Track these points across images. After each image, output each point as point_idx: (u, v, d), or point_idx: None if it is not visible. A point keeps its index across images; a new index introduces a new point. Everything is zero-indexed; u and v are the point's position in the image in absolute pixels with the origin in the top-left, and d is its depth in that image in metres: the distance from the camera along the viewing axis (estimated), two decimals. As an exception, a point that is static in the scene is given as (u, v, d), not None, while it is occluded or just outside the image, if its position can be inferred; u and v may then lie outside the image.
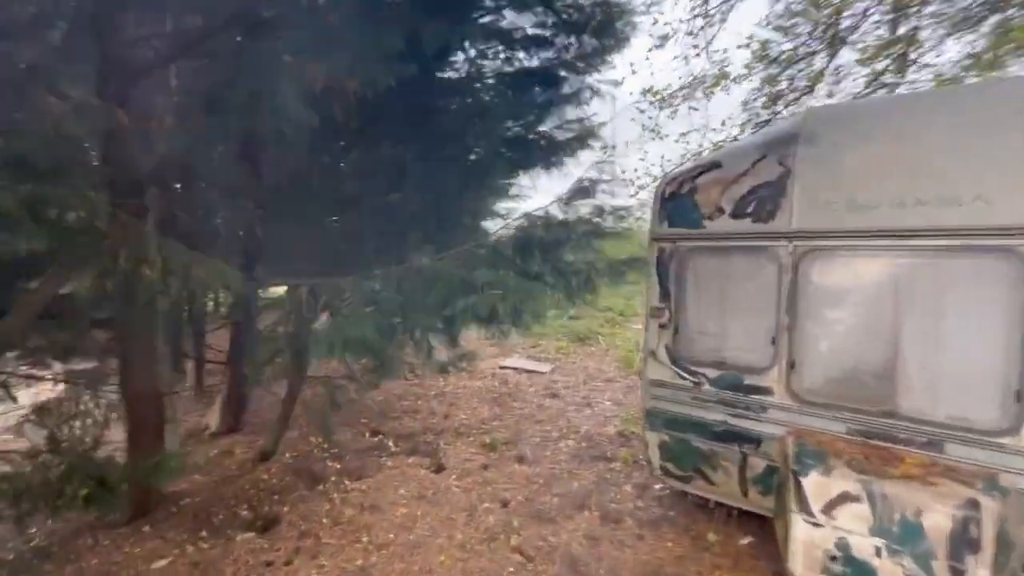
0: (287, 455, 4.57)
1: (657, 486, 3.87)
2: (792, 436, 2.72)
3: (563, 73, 5.19)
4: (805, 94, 5.11)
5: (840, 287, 2.67)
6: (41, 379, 3.52)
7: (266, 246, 3.19)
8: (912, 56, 5.33)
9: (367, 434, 5.08)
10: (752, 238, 2.91)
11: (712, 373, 3.08)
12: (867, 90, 4.81)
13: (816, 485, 2.37)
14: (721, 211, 3.03)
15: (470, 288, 2.42)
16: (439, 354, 4.82)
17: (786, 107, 5.24)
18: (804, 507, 2.37)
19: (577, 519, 3.48)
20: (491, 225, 4.06)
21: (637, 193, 5.74)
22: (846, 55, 5.03)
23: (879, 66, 4.75)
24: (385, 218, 3.26)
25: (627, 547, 3.17)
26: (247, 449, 4.66)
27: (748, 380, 2.93)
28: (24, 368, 3.46)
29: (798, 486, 2.42)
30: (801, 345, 2.75)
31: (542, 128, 5.06)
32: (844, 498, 2.29)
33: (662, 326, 3.29)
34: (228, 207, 3.22)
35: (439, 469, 4.27)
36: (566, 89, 5.34)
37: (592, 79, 5.16)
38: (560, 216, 3.33)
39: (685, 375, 3.17)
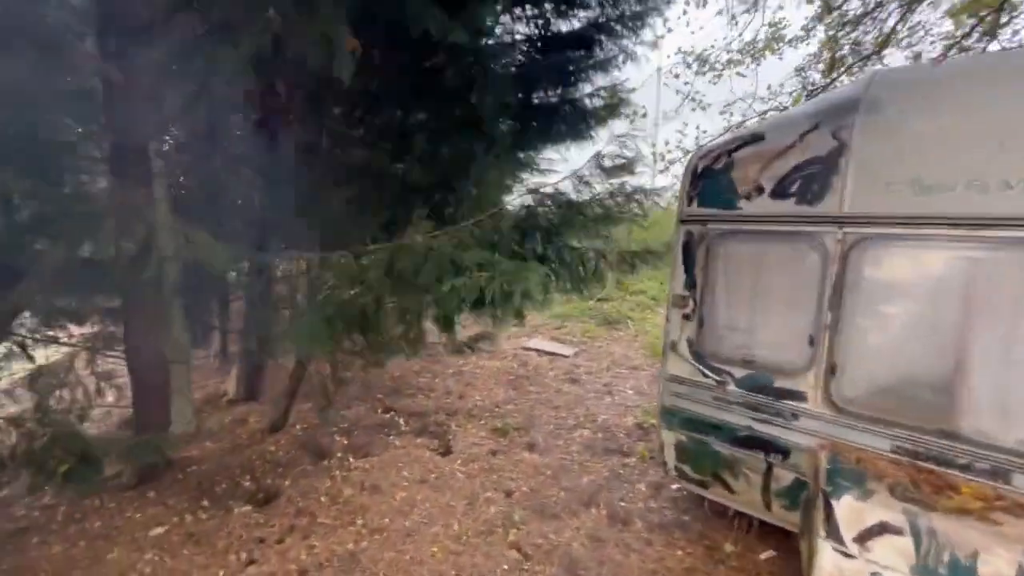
0: (298, 427, 4.55)
1: (673, 486, 3.61)
2: (826, 450, 2.39)
3: (599, 36, 4.79)
4: (871, 57, 4.45)
5: (897, 283, 2.28)
6: (56, 341, 3.56)
7: (272, 217, 3.06)
8: (1004, 19, 4.60)
9: (379, 410, 5.02)
10: (794, 222, 2.54)
11: (738, 372, 2.76)
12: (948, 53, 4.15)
13: (850, 510, 2.06)
14: (760, 190, 2.66)
15: (459, 270, 2.21)
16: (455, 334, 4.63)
17: (848, 75, 4.61)
18: (834, 533, 2.06)
19: (583, 516, 3.27)
20: (515, 201, 3.81)
21: (667, 169, 5.24)
22: (924, 13, 4.35)
23: (967, 23, 4.02)
24: (392, 190, 3.06)
25: (633, 551, 2.94)
26: (260, 418, 4.68)
27: (779, 383, 2.60)
28: (42, 331, 3.51)
29: (829, 509, 2.11)
30: (845, 347, 2.40)
31: (570, 95, 4.70)
32: (883, 529, 1.97)
33: (685, 317, 2.97)
34: (235, 175, 3.09)
35: (446, 452, 4.15)
36: (599, 55, 4.93)
37: (628, 43, 4.72)
38: (571, 195, 3.03)
39: (708, 372, 2.86)
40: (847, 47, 4.54)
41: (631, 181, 3.30)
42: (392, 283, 2.24)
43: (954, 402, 2.14)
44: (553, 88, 4.32)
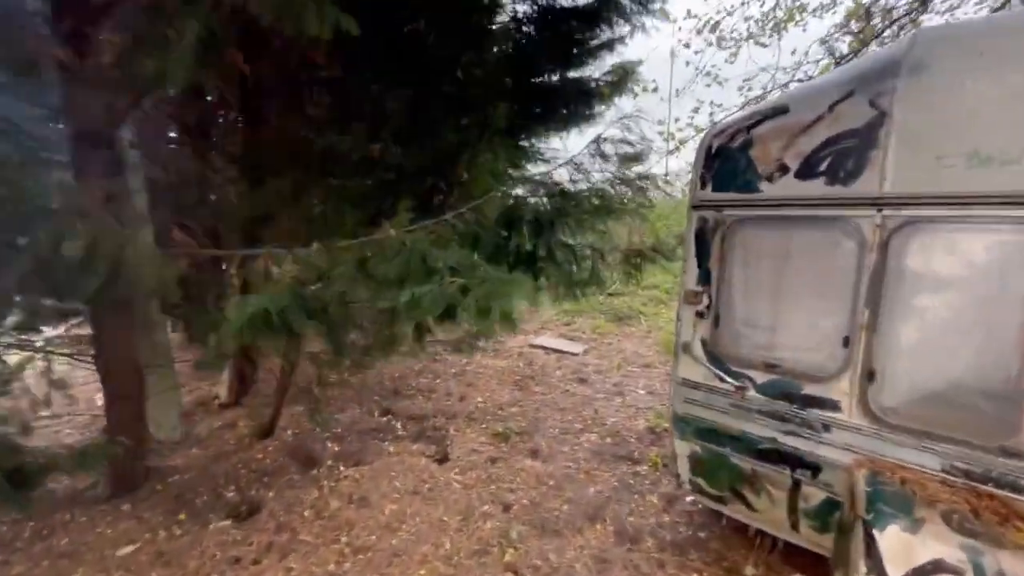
0: (289, 432, 4.34)
1: (688, 498, 3.30)
2: (865, 468, 2.07)
3: (606, 13, 4.45)
4: (908, 24, 4.01)
5: (948, 274, 1.95)
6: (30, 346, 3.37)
7: (239, 208, 2.82)
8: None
9: (376, 413, 4.78)
10: (825, 205, 2.21)
11: (760, 377, 2.44)
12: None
13: (897, 543, 1.74)
14: (784, 170, 2.33)
15: (430, 272, 1.94)
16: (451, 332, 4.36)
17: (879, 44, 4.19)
18: (878, 570, 1.75)
19: (587, 533, 2.99)
20: (504, 191, 3.49)
21: (678, 149, 4.84)
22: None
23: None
24: (375, 178, 2.78)
25: (642, 575, 2.65)
26: (251, 423, 4.47)
27: (808, 390, 2.28)
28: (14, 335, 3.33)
29: (870, 540, 1.80)
30: (885, 349, 2.07)
31: (573, 77, 4.37)
32: (938, 568, 1.65)
33: (699, 315, 2.66)
34: (204, 165, 2.85)
35: (443, 459, 3.89)
36: (605, 33, 4.60)
37: (637, 18, 4.37)
38: (566, 184, 2.70)
39: (726, 377, 2.55)
40: (878, 16, 4.12)
41: (635, 167, 2.98)
42: (364, 281, 1.98)
43: (1020, 414, 1.81)
44: (555, 69, 4.00)
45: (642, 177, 2.95)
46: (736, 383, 2.51)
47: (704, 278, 2.63)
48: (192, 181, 2.96)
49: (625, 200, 3.04)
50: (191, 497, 3.36)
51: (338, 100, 2.74)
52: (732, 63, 4.64)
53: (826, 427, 2.23)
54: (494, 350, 6.76)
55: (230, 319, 1.69)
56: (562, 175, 2.75)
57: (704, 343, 2.65)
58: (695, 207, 2.66)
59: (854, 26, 4.20)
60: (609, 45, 4.69)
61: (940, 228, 1.95)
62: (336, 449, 4.01)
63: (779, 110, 2.38)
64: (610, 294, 9.94)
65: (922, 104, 1.96)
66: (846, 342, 2.16)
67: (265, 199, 2.56)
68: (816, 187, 2.23)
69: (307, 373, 4.36)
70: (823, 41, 4.30)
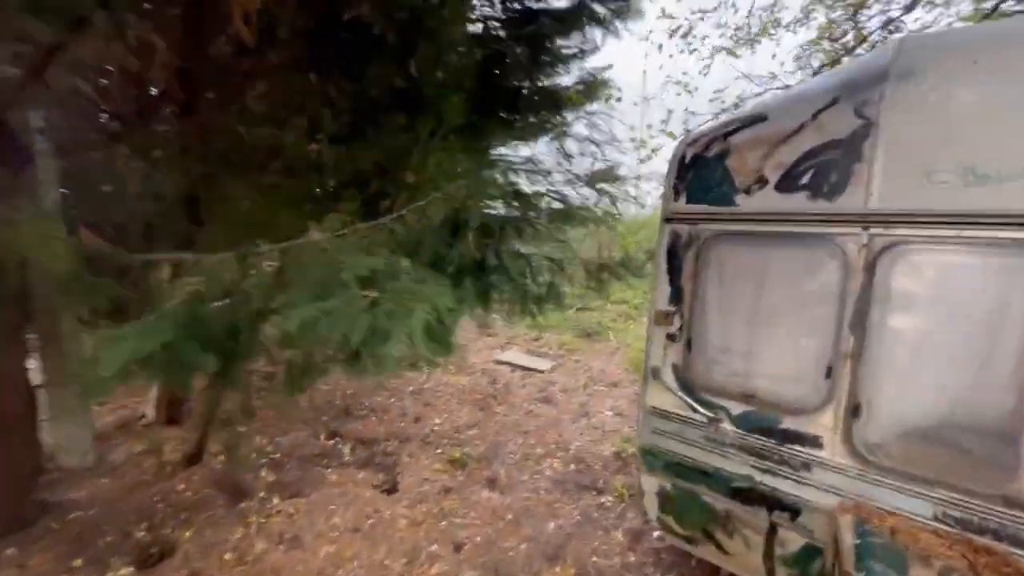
0: (220, 458, 3.89)
1: (656, 533, 3.05)
2: (850, 514, 1.86)
3: (581, 18, 4.28)
4: (881, 40, 3.99)
5: (940, 300, 1.77)
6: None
7: (157, 207, 2.45)
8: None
9: (323, 435, 4.38)
10: (806, 222, 2.02)
11: (736, 408, 2.22)
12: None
13: (891, 608, 1.52)
14: (763, 182, 2.14)
15: (327, 288, 1.63)
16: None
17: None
18: (869, 639, 1.53)
19: (546, 577, 2.70)
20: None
21: (649, 158, 4.67)
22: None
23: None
24: (316, 178, 2.47)
25: (605, 628, 2.38)
26: (177, 447, 4.00)
27: (787, 424, 2.07)
28: None
29: (860, 602, 1.57)
30: (872, 380, 1.88)
31: (543, 83, 4.17)
32: (939, 640, 1.44)
33: (670, 338, 2.43)
34: (113, 159, 2.48)
35: (391, 490, 3.54)
36: (578, 43, 4.43)
37: (611, 23, 4.21)
38: (522, 185, 2.43)
39: (698, 407, 2.33)
40: (851, 33, 4.09)
41: (600, 167, 2.74)
42: (281, 296, 1.67)
43: (1019, 456, 1.63)
44: (525, 74, 3.79)
45: (607, 175, 2.69)
46: (709, 414, 2.28)
47: (676, 297, 2.42)
48: (112, 175, 2.58)
49: (590, 206, 2.80)
50: (93, 537, 2.90)
51: (276, 93, 2.42)
52: (705, 75, 4.54)
53: (806, 466, 2.02)
54: (456, 367, 6.43)
55: (101, 360, 1.33)
56: (519, 176, 2.48)
57: (675, 369, 2.42)
58: (667, 220, 2.45)
59: (826, 44, 4.18)
60: (581, 54, 4.53)
61: (931, 249, 1.78)
62: (271, 478, 3.60)
63: (758, 118, 2.19)
64: (579, 309, 9.76)
65: (911, 114, 1.80)
66: (829, 372, 1.96)
67: (188, 198, 2.22)
68: (797, 201, 2.04)
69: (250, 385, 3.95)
70: (797, 58, 4.26)
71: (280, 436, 4.29)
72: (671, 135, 4.66)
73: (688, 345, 2.37)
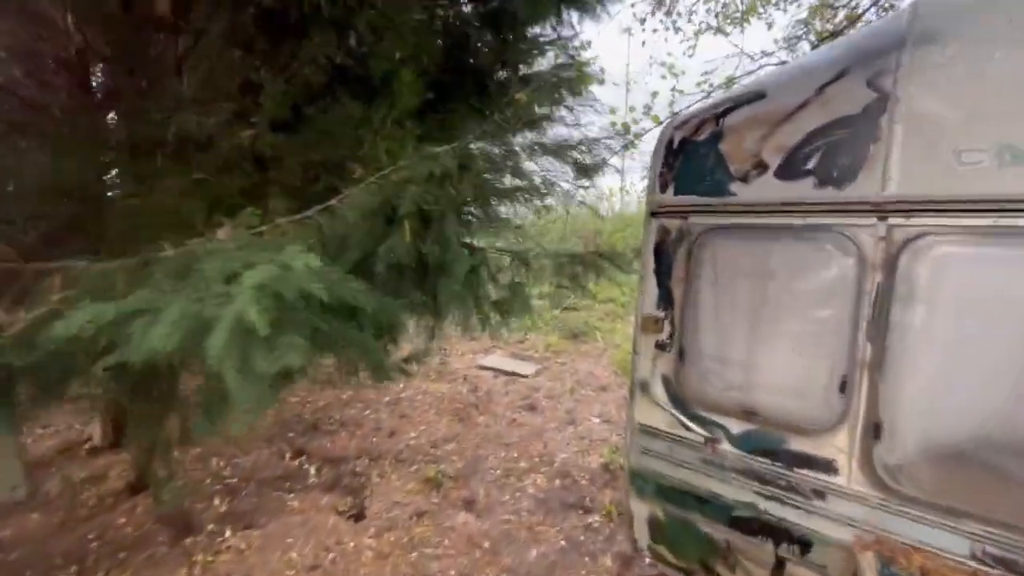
0: (171, 484, 3.54)
1: (647, 559, 2.78)
2: (871, 549, 1.60)
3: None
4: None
5: (975, 300, 1.51)
6: None
7: (72, 210, 2.11)
8: None
9: (288, 454, 4.04)
10: (813, 212, 1.76)
11: (735, 426, 1.95)
12: None
13: None
14: (762, 168, 1.87)
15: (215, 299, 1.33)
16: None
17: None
18: None
19: (526, 617, 2.41)
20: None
21: (632, 145, 4.35)
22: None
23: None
24: (251, 169, 2.14)
25: (593, 677, 2.09)
26: (123, 474, 3.64)
27: (795, 445, 1.81)
28: None
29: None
30: (894, 396, 1.61)
31: (521, 71, 3.88)
32: None
33: (660, 346, 2.16)
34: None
35: (358, 516, 3.23)
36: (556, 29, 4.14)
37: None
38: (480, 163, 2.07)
39: (692, 425, 2.05)
40: (842, 13, 3.86)
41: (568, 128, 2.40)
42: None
43: (1071, 485, 1.38)
44: (492, 58, 3.49)
45: (578, 146, 2.34)
46: (705, 433, 2.01)
47: (665, 301, 2.14)
48: (16, 170, 2.23)
49: (556, 182, 2.48)
50: (11, 586, 2.55)
51: (203, 74, 2.09)
52: (691, 56, 4.27)
53: (818, 493, 1.75)
54: (436, 373, 6.12)
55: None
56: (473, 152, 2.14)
57: (666, 381, 2.14)
58: (654, 214, 2.17)
59: (818, 24, 3.94)
60: (563, 42, 4.25)
61: (962, 241, 1.52)
62: (224, 508, 3.27)
63: (755, 95, 1.92)
64: (564, 308, 9.50)
65: (935, 84, 1.54)
66: (843, 386, 1.70)
67: (94, 197, 1.90)
68: (802, 189, 1.77)
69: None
70: (787, 40, 4.00)
71: (241, 456, 3.95)
72: (656, 119, 4.35)
73: (680, 355, 2.10)
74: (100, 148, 2.02)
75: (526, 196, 1.83)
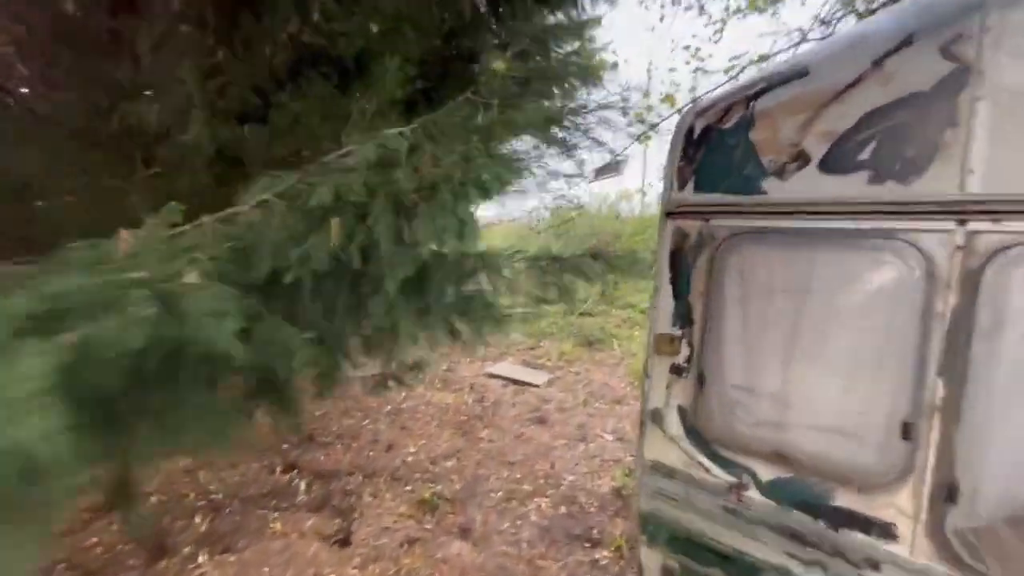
0: (153, 498, 3.36)
1: (660, 606, 2.44)
2: (945, 648, 1.25)
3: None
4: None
5: (1088, 330, 1.16)
6: None
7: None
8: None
9: (279, 468, 3.83)
10: (868, 214, 1.42)
11: (766, 471, 1.62)
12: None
13: None
14: (803, 160, 1.54)
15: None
16: (372, 367, 3.44)
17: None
18: None
19: (519, 675, 2.11)
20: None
21: (646, 136, 3.95)
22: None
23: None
24: (197, 165, 1.90)
25: None
26: (107, 484, 3.46)
27: (842, 501, 1.47)
28: None
29: None
30: (975, 447, 1.27)
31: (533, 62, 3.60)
32: None
33: (676, 371, 1.84)
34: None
35: (344, 542, 2.97)
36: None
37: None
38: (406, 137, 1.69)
39: (713, 466, 1.73)
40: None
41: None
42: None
43: None
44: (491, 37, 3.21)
45: (564, 117, 1.88)
46: (729, 477, 1.68)
47: (683, 317, 1.82)
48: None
49: (531, 167, 2.10)
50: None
51: (156, 59, 1.87)
52: (717, 41, 3.89)
53: (872, 564, 1.41)
54: (442, 381, 5.86)
55: None
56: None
57: (682, 413, 1.82)
58: (670, 215, 1.86)
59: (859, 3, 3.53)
60: (579, 29, 3.95)
61: (1071, 253, 1.17)
62: (205, 527, 3.05)
63: (795, 73, 1.59)
64: (581, 314, 9.15)
65: (1036, 50, 1.20)
66: (907, 431, 1.36)
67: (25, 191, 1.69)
68: (854, 185, 1.44)
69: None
70: (822, 22, 3.58)
71: (229, 470, 3.75)
72: (670, 100, 3.87)
73: (699, 381, 1.77)
74: (37, 140, 1.81)
75: (498, 181, 1.49)
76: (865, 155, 1.42)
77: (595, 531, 3.11)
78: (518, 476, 3.78)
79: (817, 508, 1.50)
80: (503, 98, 1.83)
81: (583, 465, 3.98)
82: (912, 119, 1.35)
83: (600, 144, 2.82)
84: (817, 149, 1.50)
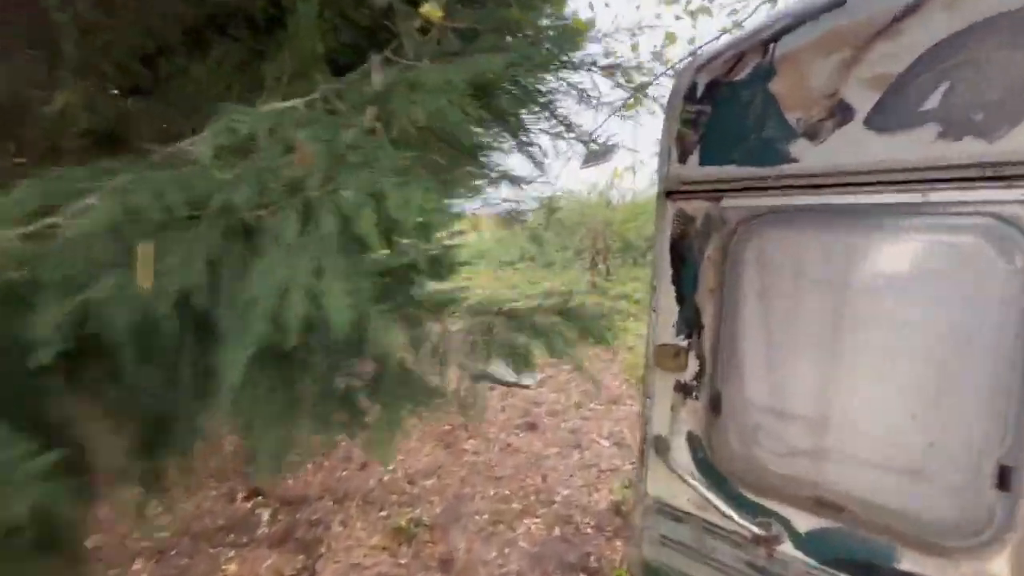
0: (99, 535, 2.97)
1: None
2: None
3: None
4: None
5: None
6: None
7: None
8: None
9: (240, 494, 3.45)
10: (940, 181, 1.06)
11: (803, 520, 1.26)
12: None
13: None
14: (844, 114, 1.17)
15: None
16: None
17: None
18: None
19: None
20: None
21: (636, 100, 3.44)
22: None
23: None
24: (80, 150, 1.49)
25: None
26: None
27: (909, 564, 1.11)
28: None
29: None
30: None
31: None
32: None
33: (683, 390, 1.47)
34: None
35: (306, 584, 2.61)
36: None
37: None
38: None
39: (733, 511, 1.37)
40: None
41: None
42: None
43: None
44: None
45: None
46: (754, 527, 1.33)
47: (690, 324, 1.45)
48: None
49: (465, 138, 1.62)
50: None
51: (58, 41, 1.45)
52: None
53: (955, 647, 1.07)
54: (426, 386, 5.48)
55: None
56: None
57: (693, 442, 1.46)
58: (669, 195, 1.48)
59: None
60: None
61: None
62: (146, 573, 2.67)
63: (829, 2, 1.22)
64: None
65: None
66: (1003, 476, 1.00)
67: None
68: (916, 145, 1.08)
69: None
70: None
71: (184, 500, 3.36)
72: (667, 63, 3.33)
73: (714, 403, 1.41)
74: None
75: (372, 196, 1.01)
76: (932, 104, 1.06)
77: (592, 557, 2.76)
78: (506, 493, 3.43)
79: (874, 572, 1.15)
80: (436, 57, 1.39)
81: (578, 476, 3.64)
82: (997, 51, 0.99)
83: (570, 129, 2.38)
84: (863, 99, 1.14)
